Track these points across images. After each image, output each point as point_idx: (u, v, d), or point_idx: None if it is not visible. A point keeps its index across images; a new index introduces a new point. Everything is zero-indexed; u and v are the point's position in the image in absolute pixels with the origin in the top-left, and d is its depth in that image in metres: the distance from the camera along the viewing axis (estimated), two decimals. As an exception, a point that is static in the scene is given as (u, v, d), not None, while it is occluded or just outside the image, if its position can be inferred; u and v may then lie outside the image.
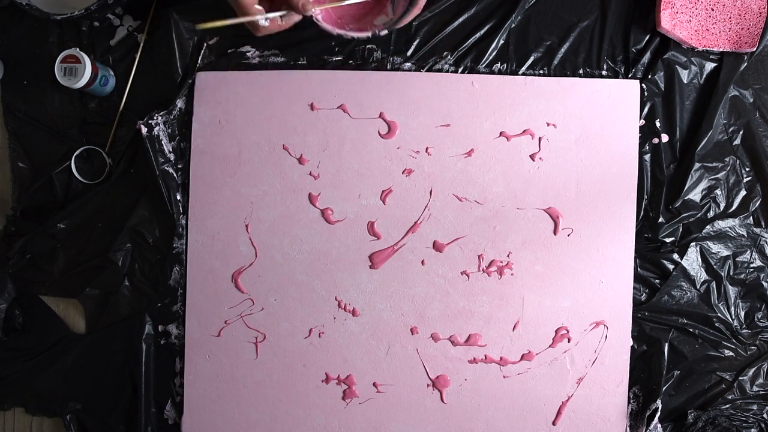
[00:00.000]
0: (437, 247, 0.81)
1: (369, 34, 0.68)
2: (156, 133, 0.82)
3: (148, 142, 0.81)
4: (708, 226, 0.80)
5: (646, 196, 0.81)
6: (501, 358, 0.81)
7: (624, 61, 0.81)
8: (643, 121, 0.81)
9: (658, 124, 0.81)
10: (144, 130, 0.81)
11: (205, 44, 0.83)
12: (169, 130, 0.83)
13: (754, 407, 0.80)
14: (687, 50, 0.81)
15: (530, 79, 0.81)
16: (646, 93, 0.81)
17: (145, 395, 0.83)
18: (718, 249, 0.81)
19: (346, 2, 0.68)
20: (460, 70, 0.82)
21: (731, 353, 0.81)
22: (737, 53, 0.79)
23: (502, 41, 0.82)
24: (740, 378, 0.80)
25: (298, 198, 0.82)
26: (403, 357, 0.82)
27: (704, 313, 0.80)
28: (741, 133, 0.81)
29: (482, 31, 0.82)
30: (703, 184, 0.81)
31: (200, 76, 0.83)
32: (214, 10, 0.83)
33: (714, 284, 0.81)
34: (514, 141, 0.81)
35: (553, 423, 0.81)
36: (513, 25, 0.82)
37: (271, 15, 0.63)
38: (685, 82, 0.81)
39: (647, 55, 0.81)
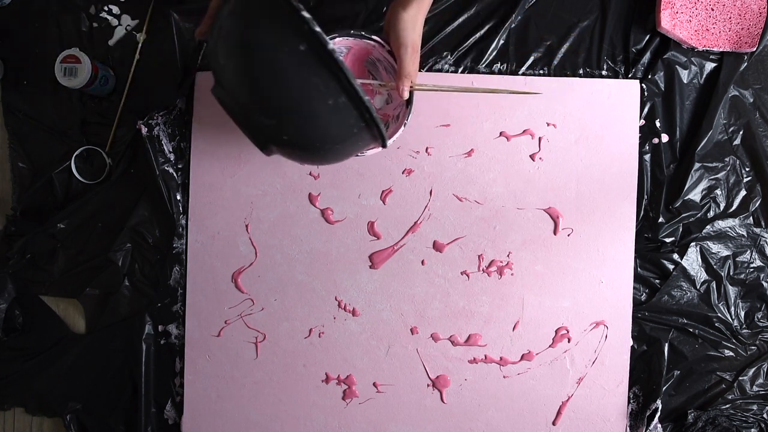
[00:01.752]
0: (437, 247, 0.81)
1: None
2: (156, 133, 0.82)
3: (148, 142, 0.81)
4: (708, 226, 0.80)
5: (646, 196, 0.81)
6: (501, 358, 0.81)
7: (624, 61, 0.81)
8: (643, 121, 0.81)
9: (658, 124, 0.81)
10: (144, 130, 0.81)
11: (205, 44, 0.83)
12: (169, 130, 0.83)
13: (754, 407, 0.80)
14: (687, 50, 0.81)
15: (530, 79, 0.81)
16: (646, 93, 0.81)
17: (145, 395, 0.83)
18: (718, 249, 0.81)
19: (445, 89, 0.71)
20: (460, 70, 0.82)
21: (731, 353, 0.81)
22: (737, 53, 0.79)
23: (502, 41, 0.82)
24: (740, 378, 0.80)
25: (298, 198, 0.82)
26: (403, 357, 0.82)
27: (704, 313, 0.80)
28: (741, 133, 0.81)
29: (482, 31, 0.82)
30: (703, 184, 0.81)
31: (200, 76, 0.83)
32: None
33: (714, 284, 0.81)
34: (514, 141, 0.81)
35: (553, 423, 0.81)
36: (513, 25, 0.82)
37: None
38: (685, 82, 0.81)
39: (647, 55, 0.81)
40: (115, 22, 0.85)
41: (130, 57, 0.84)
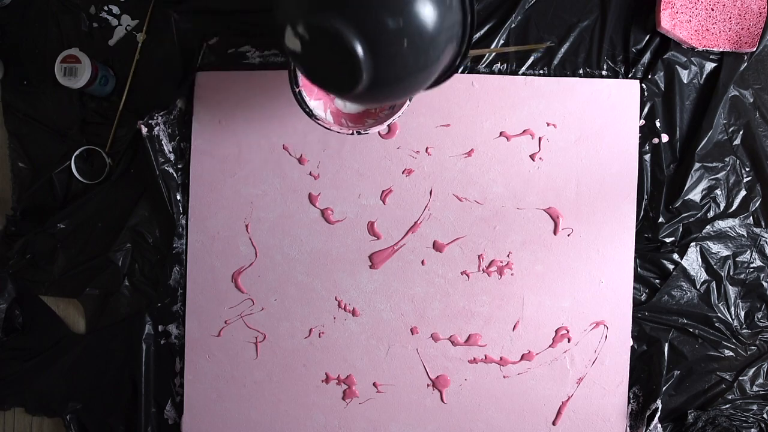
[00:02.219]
0: (437, 247, 0.81)
1: (350, 132, 0.73)
2: (156, 133, 0.82)
3: (148, 142, 0.81)
4: (708, 226, 0.80)
5: (646, 196, 0.81)
6: (501, 358, 0.81)
7: (624, 61, 0.81)
8: (643, 121, 0.81)
9: (658, 124, 0.81)
10: (144, 130, 0.81)
11: (204, 44, 0.83)
12: (170, 130, 0.83)
13: (754, 407, 0.80)
14: (687, 50, 0.80)
15: (530, 79, 0.81)
16: (646, 93, 0.81)
17: (145, 395, 0.83)
18: (718, 249, 0.81)
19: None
20: (460, 70, 0.82)
21: (731, 353, 0.81)
22: (737, 53, 0.79)
23: (502, 41, 0.82)
24: (740, 378, 0.80)
25: (298, 198, 0.82)
26: (403, 357, 0.82)
27: (704, 313, 0.80)
28: (741, 133, 0.81)
29: (482, 31, 0.82)
30: (703, 184, 0.80)
31: (200, 76, 0.83)
32: (212, 9, 0.83)
33: (714, 284, 0.81)
34: (514, 141, 0.81)
35: (553, 423, 0.81)
36: (513, 25, 0.82)
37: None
38: (685, 82, 0.81)
39: (647, 55, 0.81)
40: (115, 22, 0.85)
41: (130, 57, 0.84)
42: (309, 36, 0.49)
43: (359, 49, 0.46)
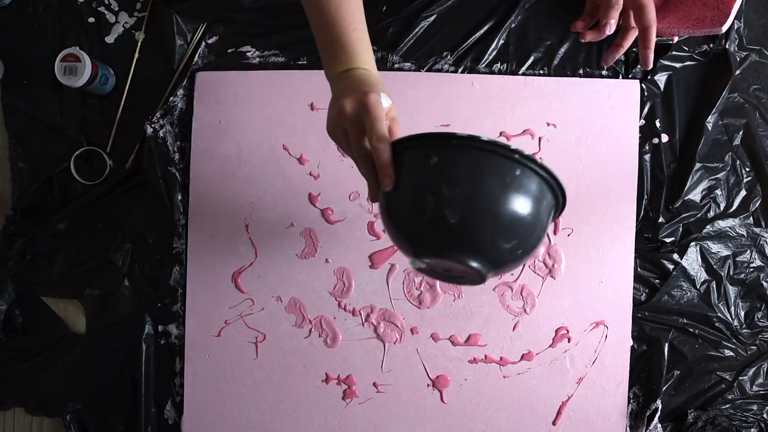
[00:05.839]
0: (437, 247, 0.81)
1: None
2: (160, 133, 0.82)
3: (152, 143, 0.81)
4: (708, 226, 0.80)
5: (646, 196, 0.81)
6: (501, 358, 0.81)
7: (624, 61, 0.81)
8: (643, 121, 0.81)
9: (658, 124, 0.81)
10: (149, 130, 0.81)
11: (204, 43, 0.83)
12: (176, 130, 0.83)
13: (754, 407, 0.80)
14: (687, 50, 0.81)
15: (530, 79, 0.81)
16: (646, 93, 0.81)
17: (145, 395, 0.83)
18: (718, 249, 0.81)
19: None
20: (460, 70, 0.82)
21: (731, 353, 0.81)
22: (737, 53, 0.79)
23: (502, 41, 0.82)
24: (740, 378, 0.80)
25: (298, 198, 0.82)
26: (403, 357, 0.82)
27: (704, 313, 0.80)
28: (741, 133, 0.81)
29: (482, 31, 0.82)
30: (703, 184, 0.81)
31: (200, 76, 0.83)
32: (212, 9, 0.83)
33: (714, 284, 0.81)
34: (514, 141, 0.81)
35: (553, 423, 0.81)
36: (513, 25, 0.82)
37: None
38: (684, 82, 0.81)
39: (647, 55, 0.81)
40: (112, 18, 0.85)
41: (129, 56, 0.84)
42: (433, 264, 0.54)
43: (481, 268, 0.51)
